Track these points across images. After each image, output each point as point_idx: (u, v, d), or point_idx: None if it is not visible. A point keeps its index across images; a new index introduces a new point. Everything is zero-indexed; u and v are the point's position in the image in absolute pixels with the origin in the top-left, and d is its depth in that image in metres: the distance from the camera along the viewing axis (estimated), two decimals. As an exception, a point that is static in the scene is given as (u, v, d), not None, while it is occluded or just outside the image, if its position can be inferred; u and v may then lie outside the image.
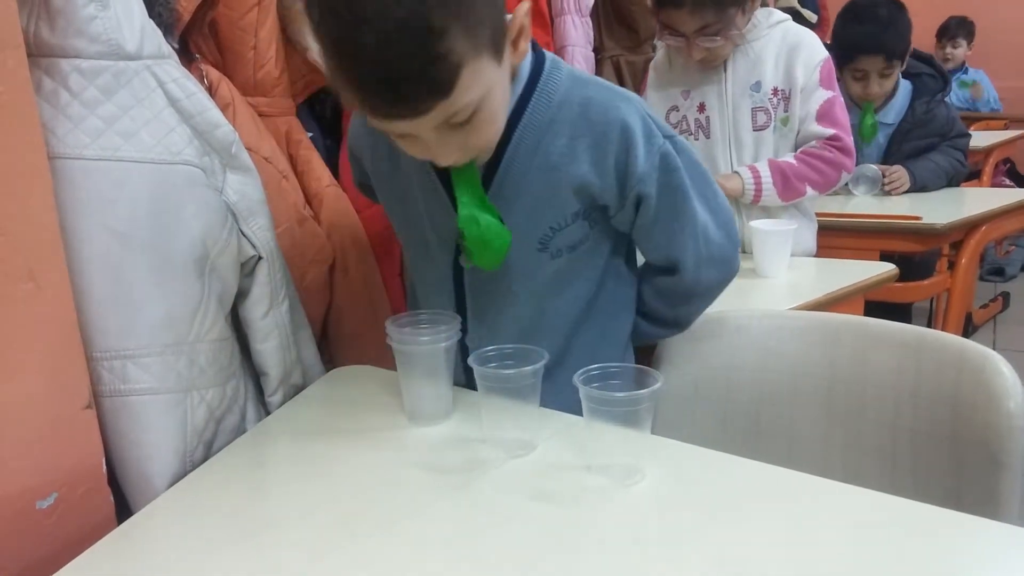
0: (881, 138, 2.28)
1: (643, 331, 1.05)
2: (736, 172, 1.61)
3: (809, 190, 1.60)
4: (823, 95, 1.59)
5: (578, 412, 0.79)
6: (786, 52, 1.59)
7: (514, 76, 0.88)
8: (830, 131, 1.59)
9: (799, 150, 1.61)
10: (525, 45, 0.84)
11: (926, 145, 2.27)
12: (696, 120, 1.65)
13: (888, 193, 2.20)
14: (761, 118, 1.61)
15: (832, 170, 1.60)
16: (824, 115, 1.59)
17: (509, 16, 0.82)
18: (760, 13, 1.59)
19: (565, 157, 0.89)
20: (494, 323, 0.98)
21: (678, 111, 1.67)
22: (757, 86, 1.61)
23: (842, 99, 1.64)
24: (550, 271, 0.95)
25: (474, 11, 0.73)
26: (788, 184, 1.59)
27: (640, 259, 1.05)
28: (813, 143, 1.60)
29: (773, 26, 1.60)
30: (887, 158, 2.28)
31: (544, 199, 0.91)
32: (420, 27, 0.69)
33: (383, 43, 0.69)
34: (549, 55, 0.92)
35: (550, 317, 0.98)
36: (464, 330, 0.97)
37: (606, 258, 0.99)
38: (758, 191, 1.59)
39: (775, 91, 1.60)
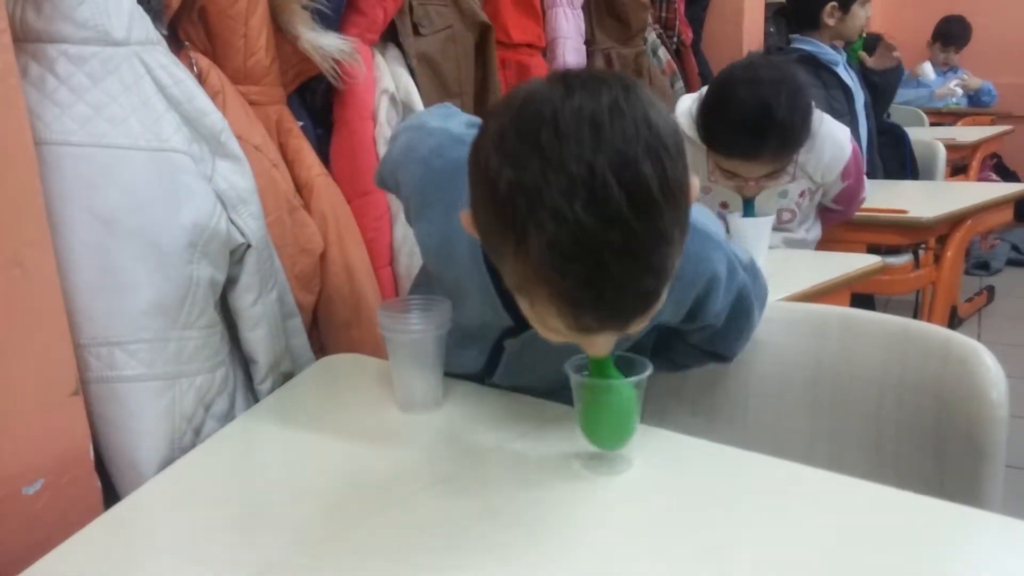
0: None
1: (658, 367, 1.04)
2: None
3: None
4: (842, 185, 1.72)
5: None
6: (815, 157, 1.65)
7: None
8: (839, 208, 1.79)
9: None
10: None
11: None
12: (718, 213, 1.65)
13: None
14: (786, 216, 1.70)
15: (838, 219, 1.85)
16: (840, 199, 1.77)
17: None
18: None
19: None
20: (521, 383, 0.95)
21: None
22: (784, 193, 1.67)
23: (862, 178, 1.77)
24: None
25: (685, 207, 0.64)
26: None
27: None
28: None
29: None
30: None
31: (621, 340, 0.84)
32: (643, 240, 0.60)
33: (604, 258, 0.59)
34: None
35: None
36: (490, 371, 0.95)
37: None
38: None
39: (802, 193, 1.70)
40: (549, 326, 0.67)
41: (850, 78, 2.31)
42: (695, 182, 0.67)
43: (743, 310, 0.92)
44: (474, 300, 0.88)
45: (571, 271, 0.60)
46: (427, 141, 0.90)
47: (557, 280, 0.61)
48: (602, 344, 0.71)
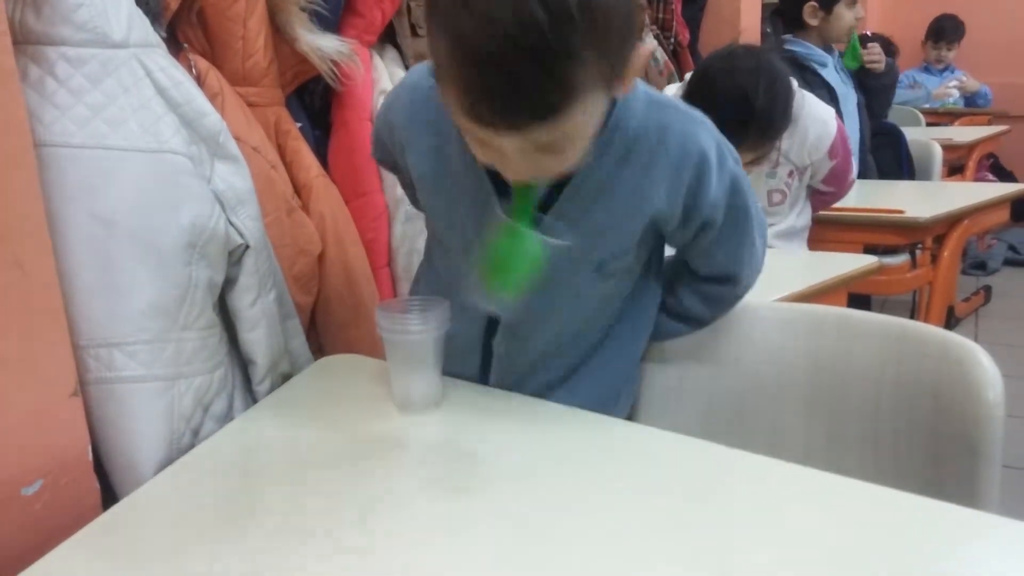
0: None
1: (670, 330, 1.04)
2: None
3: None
4: (830, 164, 1.75)
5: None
6: (799, 139, 1.67)
7: None
8: (830, 189, 1.82)
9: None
10: (632, 83, 0.79)
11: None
12: None
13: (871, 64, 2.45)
14: (776, 197, 1.74)
15: (830, 200, 1.89)
16: (830, 179, 1.79)
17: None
18: None
19: (641, 189, 0.86)
20: (528, 333, 0.96)
21: None
22: (772, 172, 1.71)
23: (850, 156, 1.79)
24: (599, 293, 0.94)
25: (609, 43, 0.68)
26: None
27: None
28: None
29: None
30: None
31: (611, 226, 0.88)
32: (550, 45, 0.64)
33: (507, 51, 0.64)
34: None
35: (583, 332, 0.97)
36: (492, 333, 0.97)
37: (639, 275, 0.98)
38: None
39: (791, 173, 1.73)
40: (460, 121, 0.72)
41: (839, 79, 2.31)
42: (648, 47, 0.71)
43: (740, 209, 0.92)
44: (469, 214, 0.90)
45: (472, 58, 0.66)
46: (412, 76, 0.97)
47: (460, 65, 0.67)
48: (512, 159, 0.74)
